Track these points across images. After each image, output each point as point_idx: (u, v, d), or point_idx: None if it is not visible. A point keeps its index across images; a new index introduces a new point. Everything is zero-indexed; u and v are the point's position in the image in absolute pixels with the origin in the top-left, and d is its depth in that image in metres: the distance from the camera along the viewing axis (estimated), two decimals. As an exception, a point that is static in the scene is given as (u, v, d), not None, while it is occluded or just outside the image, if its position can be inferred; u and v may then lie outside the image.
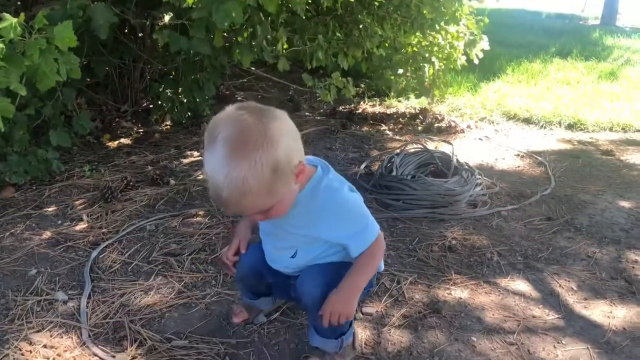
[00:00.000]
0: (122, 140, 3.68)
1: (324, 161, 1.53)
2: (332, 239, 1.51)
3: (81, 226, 2.50)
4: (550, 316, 2.03)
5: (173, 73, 3.98)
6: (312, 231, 1.50)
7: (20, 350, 1.71)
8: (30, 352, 1.71)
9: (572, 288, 2.21)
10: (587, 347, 1.86)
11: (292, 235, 1.54)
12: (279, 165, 1.24)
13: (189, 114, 4.03)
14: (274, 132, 1.23)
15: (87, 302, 1.96)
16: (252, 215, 1.42)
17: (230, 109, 1.27)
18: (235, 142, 1.20)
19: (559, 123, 4.59)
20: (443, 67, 4.65)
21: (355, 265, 1.52)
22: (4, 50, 2.07)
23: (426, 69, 4.55)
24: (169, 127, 3.99)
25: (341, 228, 1.47)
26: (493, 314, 2.02)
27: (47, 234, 2.41)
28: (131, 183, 2.91)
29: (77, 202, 2.72)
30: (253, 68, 4.80)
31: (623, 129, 4.53)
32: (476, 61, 4.67)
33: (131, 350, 1.73)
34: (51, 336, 1.79)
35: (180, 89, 3.87)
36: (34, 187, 2.85)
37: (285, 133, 1.27)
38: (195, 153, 3.49)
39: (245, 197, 1.24)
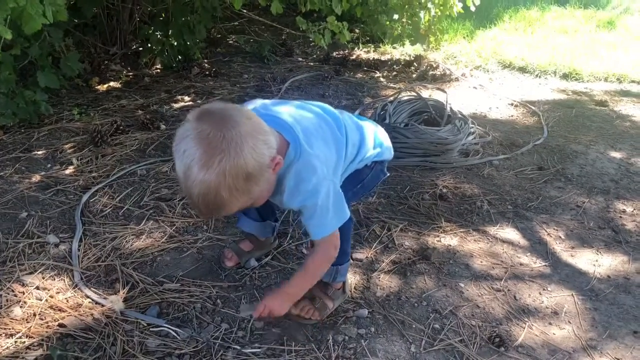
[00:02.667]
0: (111, 83, 3.61)
1: (296, 128, 1.48)
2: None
3: (71, 170, 2.48)
4: (537, 264, 2.06)
5: (163, 15, 3.88)
6: (288, 206, 1.56)
7: (13, 291, 1.73)
8: (23, 293, 1.73)
9: (560, 237, 2.24)
10: (572, 294, 1.90)
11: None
12: (251, 173, 1.26)
13: (180, 57, 3.95)
14: (237, 143, 1.22)
15: (79, 245, 1.97)
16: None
17: (190, 121, 1.26)
18: (201, 161, 1.21)
19: (554, 72, 4.55)
20: (439, 13, 4.55)
21: (304, 268, 1.59)
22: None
23: (422, 15, 4.45)
24: (159, 70, 3.92)
25: (304, 213, 1.50)
26: (481, 261, 2.05)
27: (37, 177, 2.40)
28: (121, 127, 2.88)
29: (66, 146, 2.69)
30: (245, 10, 4.68)
31: (618, 79, 4.49)
32: (473, 8, 4.56)
33: (123, 293, 1.75)
34: (43, 278, 1.80)
35: (170, 31, 3.78)
36: (23, 130, 2.81)
37: (250, 136, 1.25)
38: (187, 98, 3.44)
39: (223, 208, 1.29)
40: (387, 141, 1.81)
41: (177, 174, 1.27)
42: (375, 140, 1.75)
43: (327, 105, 1.68)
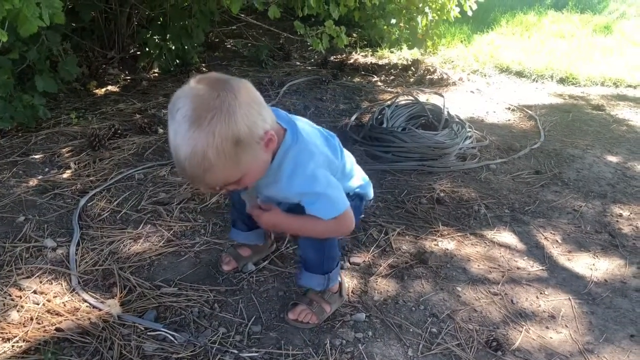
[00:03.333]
0: (109, 87, 3.62)
1: (294, 120, 1.50)
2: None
3: (69, 174, 2.48)
4: (534, 268, 2.06)
5: (161, 19, 3.88)
6: (286, 198, 1.53)
7: (10, 295, 1.73)
8: (20, 297, 1.72)
9: (557, 241, 2.24)
10: (569, 298, 1.91)
11: (272, 199, 1.57)
12: (240, 139, 1.24)
13: (177, 61, 3.95)
14: (231, 105, 1.22)
15: (76, 250, 1.97)
16: (223, 187, 1.40)
17: (190, 83, 1.26)
18: (192, 117, 1.20)
19: (551, 77, 4.57)
20: (436, 17, 4.57)
21: (314, 220, 1.50)
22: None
23: (419, 20, 4.46)
24: (156, 74, 3.93)
25: (303, 199, 1.48)
26: (478, 265, 2.05)
27: (34, 181, 2.40)
28: (119, 131, 2.88)
29: (64, 150, 2.69)
30: (243, 15, 4.69)
31: (615, 84, 4.51)
32: (470, 12, 4.59)
33: (121, 297, 1.75)
34: (41, 282, 1.80)
35: (168, 35, 3.78)
36: (20, 134, 2.81)
37: (245, 104, 1.25)
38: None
39: (208, 172, 1.25)
40: (369, 182, 1.81)
41: (168, 133, 1.26)
42: (362, 176, 1.77)
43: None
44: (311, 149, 1.45)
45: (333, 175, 1.54)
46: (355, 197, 1.74)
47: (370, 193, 1.80)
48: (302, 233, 1.60)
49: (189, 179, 1.26)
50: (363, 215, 1.86)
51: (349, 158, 1.72)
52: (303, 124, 1.55)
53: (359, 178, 1.75)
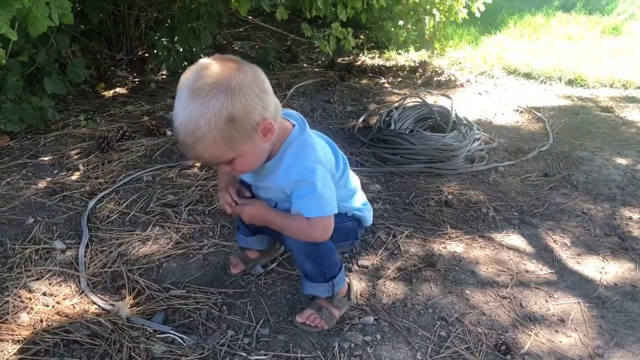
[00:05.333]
0: (117, 89, 3.63)
1: (302, 118, 1.51)
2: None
3: (77, 176, 2.49)
4: (543, 271, 2.05)
5: (169, 21, 3.89)
6: (282, 187, 1.51)
7: (20, 297, 1.73)
8: (30, 299, 1.73)
9: (566, 244, 2.23)
10: (579, 302, 1.90)
11: (270, 191, 1.56)
12: (234, 116, 1.26)
13: (185, 63, 3.95)
14: (233, 83, 1.25)
15: (85, 252, 1.97)
16: (218, 166, 1.42)
17: (204, 59, 1.31)
18: (193, 88, 1.25)
19: (559, 79, 4.55)
20: (444, 19, 4.55)
21: (290, 217, 1.52)
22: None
23: (427, 21, 4.45)
24: (164, 76, 3.94)
25: (295, 189, 1.47)
26: (487, 268, 2.04)
27: (44, 183, 2.41)
28: (127, 133, 2.89)
29: (73, 152, 2.70)
30: (250, 17, 4.70)
31: (624, 85, 4.49)
32: (478, 14, 4.57)
33: (130, 299, 1.76)
34: (50, 284, 1.81)
35: (176, 37, 3.79)
36: (29, 136, 2.83)
37: (248, 86, 1.28)
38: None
39: (199, 142, 1.27)
40: (370, 208, 1.80)
41: (175, 100, 1.30)
42: (364, 199, 1.78)
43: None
44: (315, 143, 1.47)
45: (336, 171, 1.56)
46: (353, 220, 1.74)
47: (369, 219, 1.79)
48: (280, 228, 1.58)
49: (181, 147, 1.29)
50: (358, 241, 1.86)
51: (355, 179, 1.73)
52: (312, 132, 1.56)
53: (360, 201, 1.75)
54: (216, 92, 1.24)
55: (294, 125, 1.47)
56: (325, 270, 1.63)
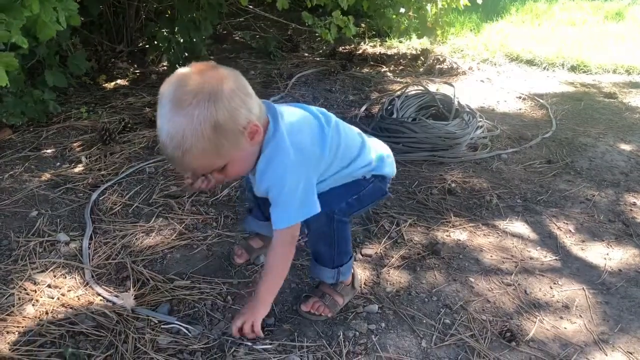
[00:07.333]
0: (118, 81, 3.62)
1: (280, 111, 1.47)
2: None
3: (80, 168, 2.49)
4: (547, 258, 2.05)
5: (169, 12, 3.88)
6: (260, 189, 1.51)
7: (25, 289, 1.74)
8: (35, 291, 1.73)
9: (570, 230, 2.23)
10: (583, 288, 1.89)
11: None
12: (220, 123, 1.25)
13: (186, 54, 3.94)
14: (215, 90, 1.24)
15: (89, 244, 1.98)
16: (210, 175, 1.42)
17: (180, 69, 1.29)
18: (175, 100, 1.23)
19: (562, 65, 4.52)
20: (446, 6, 4.53)
21: (265, 272, 1.56)
22: (1, 1, 2.00)
23: (429, 8, 4.43)
24: (165, 67, 3.92)
25: (270, 196, 1.47)
26: (491, 256, 2.04)
27: (47, 176, 2.41)
28: (129, 125, 2.88)
29: (75, 144, 2.70)
30: (251, 6, 4.67)
31: (627, 71, 4.46)
32: (479, 0, 4.55)
33: (134, 290, 1.76)
34: (55, 276, 1.81)
35: (176, 28, 3.77)
36: (31, 129, 2.82)
37: (229, 91, 1.26)
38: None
39: (187, 154, 1.26)
40: (389, 156, 1.75)
41: (157, 115, 1.28)
42: (377, 153, 1.70)
43: (324, 109, 1.65)
44: (285, 146, 1.42)
45: (324, 167, 1.53)
46: (374, 180, 1.69)
47: (392, 172, 1.74)
48: (278, 286, 1.59)
49: (170, 161, 1.28)
50: (389, 194, 1.79)
51: (354, 140, 1.65)
52: (292, 114, 1.51)
53: (375, 155, 1.68)
54: (199, 100, 1.22)
55: (268, 122, 1.43)
56: (335, 256, 1.64)
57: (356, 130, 1.71)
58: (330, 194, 1.59)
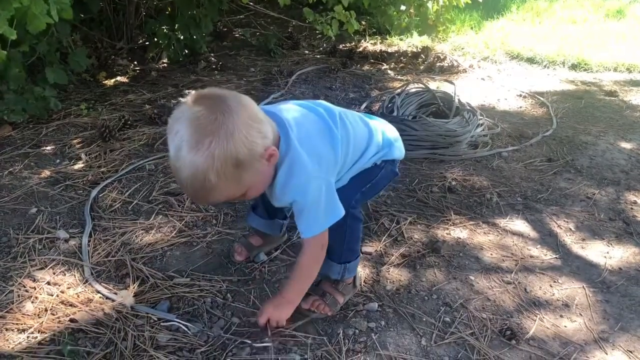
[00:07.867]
0: (118, 78, 3.62)
1: (289, 123, 1.46)
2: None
3: (80, 165, 2.49)
4: (547, 256, 2.05)
5: (169, 9, 3.87)
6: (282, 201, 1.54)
7: (25, 286, 1.74)
8: (34, 288, 1.73)
9: (570, 229, 2.22)
10: (583, 286, 1.89)
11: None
12: (241, 160, 1.25)
13: (186, 51, 3.95)
14: (229, 127, 1.23)
15: (89, 241, 1.97)
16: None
17: (187, 103, 1.27)
18: (191, 142, 1.22)
19: (563, 63, 4.51)
20: (447, 3, 4.52)
21: (296, 271, 1.61)
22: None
23: (430, 5, 4.42)
24: (165, 65, 3.92)
25: (293, 207, 1.50)
26: (491, 254, 2.04)
27: (46, 173, 2.40)
28: (129, 122, 2.88)
29: (75, 141, 2.70)
30: (251, 3, 4.67)
31: (628, 69, 4.45)
32: (480, -2, 4.54)
33: (134, 288, 1.76)
34: (54, 273, 1.81)
35: (176, 25, 3.77)
36: (31, 126, 2.82)
37: (244, 124, 1.26)
38: (194, 92, 3.43)
39: (211, 193, 1.28)
40: (397, 140, 1.78)
41: (169, 155, 1.27)
42: (384, 138, 1.72)
43: (324, 102, 1.66)
44: (303, 159, 1.43)
45: (339, 167, 1.55)
46: (385, 164, 1.73)
47: (401, 153, 1.77)
48: (307, 287, 1.62)
49: (192, 199, 1.29)
50: (398, 175, 1.83)
51: (361, 130, 1.66)
52: (299, 122, 1.51)
53: (385, 139, 1.71)
54: (217, 141, 1.21)
55: (280, 137, 1.43)
56: (344, 252, 1.66)
57: (358, 115, 1.72)
58: (345, 187, 1.62)
